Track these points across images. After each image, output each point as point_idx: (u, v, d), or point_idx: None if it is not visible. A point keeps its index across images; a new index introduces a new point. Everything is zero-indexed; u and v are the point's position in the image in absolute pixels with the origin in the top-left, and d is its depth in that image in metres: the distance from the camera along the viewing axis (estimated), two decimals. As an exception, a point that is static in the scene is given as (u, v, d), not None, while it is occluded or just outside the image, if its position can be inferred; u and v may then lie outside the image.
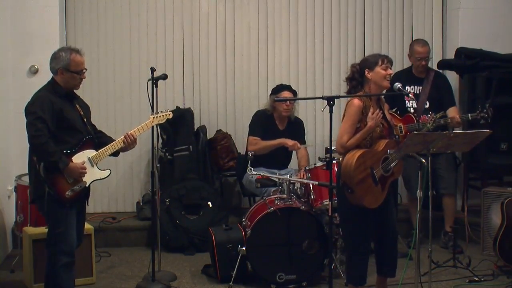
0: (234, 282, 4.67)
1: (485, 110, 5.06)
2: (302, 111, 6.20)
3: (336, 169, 4.23)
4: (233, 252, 4.72)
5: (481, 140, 4.10)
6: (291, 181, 4.86)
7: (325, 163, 4.80)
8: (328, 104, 3.74)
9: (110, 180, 4.72)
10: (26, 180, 4.78)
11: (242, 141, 6.16)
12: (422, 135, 3.98)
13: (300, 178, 4.97)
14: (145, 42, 6.32)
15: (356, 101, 3.94)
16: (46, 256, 4.03)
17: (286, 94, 5.46)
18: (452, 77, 6.18)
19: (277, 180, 4.98)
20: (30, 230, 4.74)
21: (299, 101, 6.05)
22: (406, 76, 5.60)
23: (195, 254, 5.59)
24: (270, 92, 5.73)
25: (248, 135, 5.56)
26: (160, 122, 4.45)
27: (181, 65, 6.40)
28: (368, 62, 4.01)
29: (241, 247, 4.65)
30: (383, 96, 4.11)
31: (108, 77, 6.29)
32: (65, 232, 3.92)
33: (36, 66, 5.67)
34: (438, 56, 6.47)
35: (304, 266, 4.67)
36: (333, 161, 4.24)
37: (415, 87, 5.64)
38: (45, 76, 4.28)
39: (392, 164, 3.94)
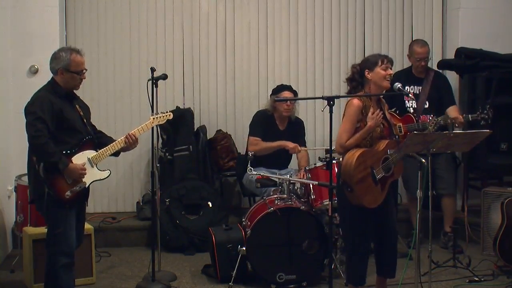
0: (234, 282, 4.67)
1: (485, 111, 5.06)
2: (302, 111, 6.20)
3: (336, 169, 4.23)
4: (233, 252, 4.72)
5: (481, 140, 4.09)
6: (291, 181, 4.86)
7: (325, 163, 4.80)
8: (328, 104, 3.74)
9: (110, 180, 4.72)
10: (26, 180, 4.75)
11: (242, 141, 6.16)
12: (422, 135, 3.98)
13: (300, 178, 4.97)
14: (145, 42, 6.32)
15: (355, 101, 3.94)
16: (46, 256, 4.03)
17: (286, 94, 5.46)
18: (452, 77, 6.18)
19: (277, 180, 4.99)
20: (30, 230, 4.74)
21: (299, 101, 6.05)
22: (405, 76, 5.60)
23: (195, 254, 5.59)
24: (270, 92, 5.73)
25: (249, 135, 5.56)
26: (160, 123, 4.44)
27: (181, 65, 6.40)
28: (368, 63, 4.01)
29: (241, 247, 4.65)
30: (383, 97, 4.11)
31: (108, 77, 6.29)
32: (64, 233, 3.92)
33: (36, 66, 5.67)
34: (438, 56, 6.47)
35: (304, 266, 4.68)
36: (333, 161, 4.24)
37: (415, 87, 5.64)
38: (45, 76, 4.27)
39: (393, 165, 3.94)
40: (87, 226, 4.58)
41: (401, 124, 5.36)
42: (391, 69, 4.00)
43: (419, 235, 4.10)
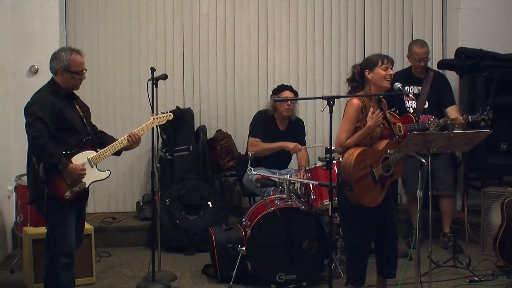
0: (234, 282, 4.67)
1: (485, 112, 5.07)
2: (302, 111, 6.19)
3: (336, 169, 4.23)
4: (233, 252, 4.72)
5: (481, 140, 4.09)
6: (291, 181, 4.86)
7: (325, 163, 4.80)
8: (328, 104, 3.74)
9: (110, 180, 4.71)
10: (26, 180, 4.77)
11: (242, 141, 6.16)
12: (422, 135, 3.98)
13: (300, 178, 4.97)
14: (145, 42, 6.31)
15: (355, 101, 3.95)
16: (46, 256, 4.03)
17: (287, 94, 5.46)
18: (452, 77, 6.18)
19: (277, 180, 4.99)
20: (30, 230, 4.74)
21: (299, 101, 6.05)
22: (405, 76, 5.60)
23: (195, 254, 5.59)
24: (270, 92, 5.73)
25: (249, 136, 5.56)
26: (161, 123, 4.44)
27: (181, 65, 6.40)
28: (369, 63, 4.01)
29: (241, 247, 4.65)
30: (383, 96, 4.11)
31: (108, 77, 6.29)
32: (64, 233, 3.91)
33: (36, 66, 5.67)
34: (438, 56, 6.47)
35: (304, 266, 4.68)
36: (333, 161, 4.24)
37: (415, 87, 5.64)
38: (45, 76, 4.27)
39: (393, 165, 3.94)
40: (87, 226, 4.58)
41: (400, 124, 5.36)
42: (391, 69, 4.01)
43: (419, 235, 4.10)
